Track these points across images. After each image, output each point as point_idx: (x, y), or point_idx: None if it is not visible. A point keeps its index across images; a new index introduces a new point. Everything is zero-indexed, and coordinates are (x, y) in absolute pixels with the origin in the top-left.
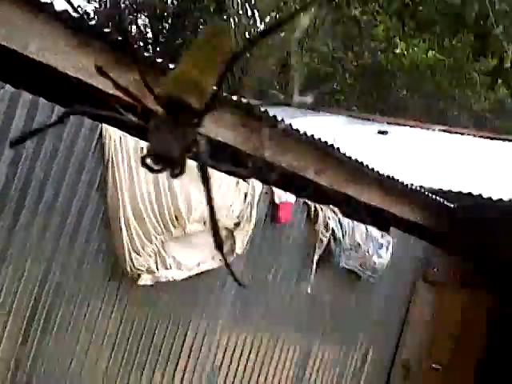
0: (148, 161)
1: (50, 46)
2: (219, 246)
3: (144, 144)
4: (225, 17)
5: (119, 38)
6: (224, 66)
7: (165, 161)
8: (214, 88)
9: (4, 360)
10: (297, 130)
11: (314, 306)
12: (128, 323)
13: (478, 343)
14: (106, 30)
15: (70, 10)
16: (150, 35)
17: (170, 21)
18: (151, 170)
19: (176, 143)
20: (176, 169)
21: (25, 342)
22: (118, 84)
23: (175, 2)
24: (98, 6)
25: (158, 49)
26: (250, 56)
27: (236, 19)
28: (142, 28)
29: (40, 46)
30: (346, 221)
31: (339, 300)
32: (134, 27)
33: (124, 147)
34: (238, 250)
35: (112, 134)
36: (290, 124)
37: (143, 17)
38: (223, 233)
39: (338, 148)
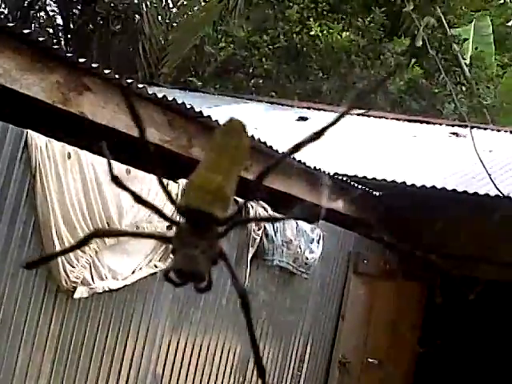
0: (172, 275)
1: None
2: (263, 376)
3: (70, 149)
4: (136, 0)
5: (40, 39)
6: (261, 175)
7: (190, 276)
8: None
9: None
10: (217, 122)
11: (251, 305)
12: (67, 336)
13: (413, 335)
14: (26, 31)
15: None
16: (59, 21)
17: (79, 7)
18: (175, 284)
19: (201, 258)
20: (202, 283)
21: None
22: (140, 197)
23: None
24: None
25: (69, 36)
26: (164, 42)
27: (148, 3)
28: (50, 14)
29: None
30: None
31: (275, 298)
32: (42, 14)
33: (51, 154)
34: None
35: (38, 140)
36: (210, 116)
37: (52, 3)
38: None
39: (264, 142)
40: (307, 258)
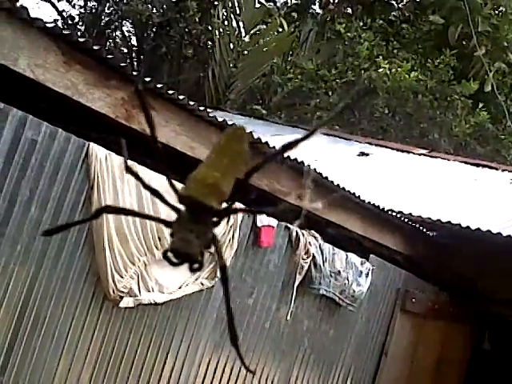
0: (169, 254)
1: (39, 62)
2: (235, 343)
3: (129, 163)
4: (209, 27)
5: (109, 56)
6: (242, 169)
7: (185, 257)
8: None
9: None
10: (274, 149)
11: (294, 332)
12: (109, 345)
13: (457, 377)
14: (96, 47)
15: (55, 13)
16: (133, 42)
17: (154, 29)
18: (171, 262)
19: (196, 241)
20: (194, 264)
21: (5, 363)
22: (148, 186)
23: (161, 11)
24: (83, 11)
25: (141, 57)
26: (234, 69)
27: (221, 30)
28: (126, 35)
29: (30, 62)
30: (326, 247)
31: (318, 327)
32: (118, 33)
33: (109, 166)
34: (219, 274)
35: (98, 152)
36: (274, 146)
37: (128, 24)
38: (206, 255)
39: (320, 173)
40: (354, 291)
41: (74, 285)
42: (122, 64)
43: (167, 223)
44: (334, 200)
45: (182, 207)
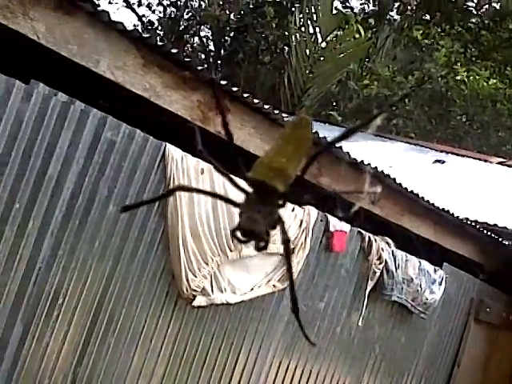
0: (237, 233)
1: (119, 64)
2: (296, 312)
3: (204, 165)
4: (286, 33)
5: (186, 59)
6: (306, 156)
7: (251, 235)
8: (296, 175)
9: (62, 372)
10: (354, 159)
11: (365, 338)
12: (182, 342)
13: None
14: (174, 51)
15: (135, 18)
16: (211, 47)
17: (231, 34)
18: (239, 241)
19: (262, 221)
20: (261, 242)
21: (81, 356)
22: (220, 169)
23: (238, 16)
24: (162, 16)
25: (219, 62)
26: (310, 75)
27: (298, 36)
28: (204, 40)
29: (110, 63)
30: (399, 253)
31: (390, 334)
32: (196, 39)
33: (185, 167)
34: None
35: (174, 153)
36: (348, 152)
37: (206, 29)
38: (277, 258)
39: (394, 179)
40: (427, 299)
41: (149, 283)
42: (199, 67)
43: (236, 204)
44: (407, 205)
45: (249, 190)
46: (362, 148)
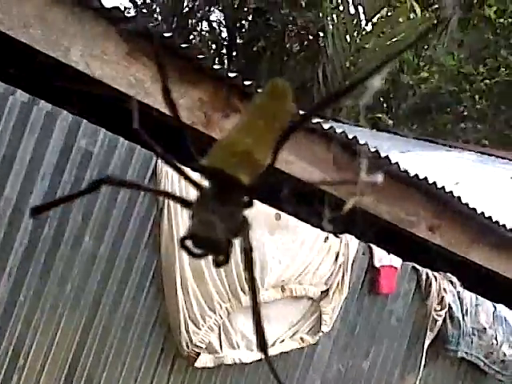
0: (188, 243)
1: (96, 52)
2: (262, 345)
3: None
4: (320, 14)
5: (183, 45)
6: (282, 135)
7: (207, 245)
8: (268, 161)
9: None
10: (406, 172)
11: None
12: None
13: None
14: (167, 34)
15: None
16: (224, 35)
17: (250, 17)
18: (191, 253)
19: (221, 225)
20: (219, 255)
21: None
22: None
23: None
24: None
25: (234, 53)
26: (350, 67)
27: (335, 18)
28: (214, 25)
29: (84, 52)
30: (467, 296)
31: None
32: (204, 24)
33: (184, 186)
34: (325, 327)
35: (169, 168)
36: (398, 163)
37: (217, 11)
38: (306, 304)
39: (459, 197)
40: (505, 355)
41: (138, 337)
42: (200, 56)
43: (186, 203)
44: (476, 233)
45: (204, 183)
46: (419, 159)
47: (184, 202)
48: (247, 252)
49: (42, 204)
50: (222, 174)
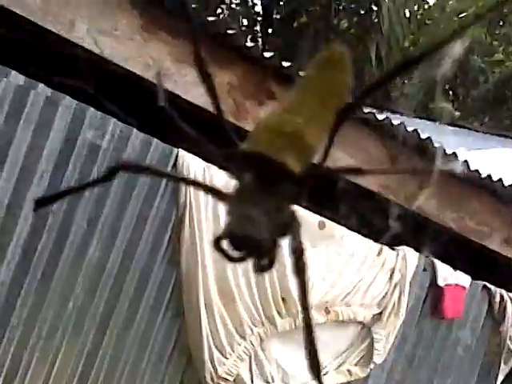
0: (224, 244)
1: (105, 27)
2: (316, 370)
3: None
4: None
5: (210, 19)
6: (338, 115)
7: (248, 246)
8: (323, 146)
9: None
10: (477, 172)
11: None
12: None
13: None
14: (192, 6)
15: None
16: (258, 8)
17: None
18: (229, 258)
19: (264, 222)
20: (263, 259)
21: None
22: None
23: None
24: None
25: (269, 30)
26: (410, 47)
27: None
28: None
29: (91, 26)
30: None
31: None
32: None
33: (210, 185)
34: (378, 357)
35: (191, 163)
36: (467, 161)
37: None
38: (355, 329)
39: None
40: None
41: (152, 368)
42: (229, 31)
43: (221, 195)
44: None
45: (245, 172)
46: (492, 157)
47: (218, 194)
48: (298, 254)
49: (47, 195)
50: (267, 160)
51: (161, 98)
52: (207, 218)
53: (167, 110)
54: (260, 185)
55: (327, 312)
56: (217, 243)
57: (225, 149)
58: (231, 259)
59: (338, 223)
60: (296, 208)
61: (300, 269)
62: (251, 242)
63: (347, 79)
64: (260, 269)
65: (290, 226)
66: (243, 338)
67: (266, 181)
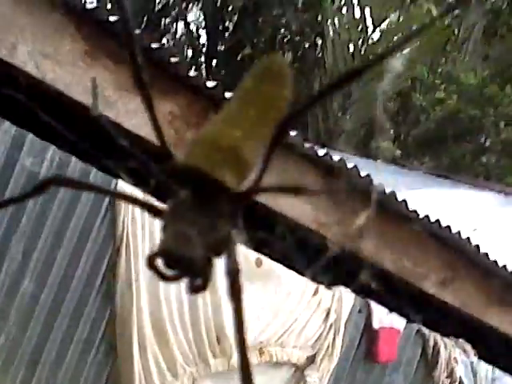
0: (158, 263)
1: (48, 51)
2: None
3: None
4: (319, 17)
5: (154, 46)
6: (277, 129)
7: (182, 265)
8: (261, 160)
9: None
10: (415, 213)
11: None
12: None
13: None
14: (136, 31)
15: None
16: (203, 39)
17: (235, 18)
18: (162, 276)
19: (199, 239)
20: (197, 278)
21: None
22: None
23: None
24: None
25: (214, 61)
26: (353, 84)
27: (336, 21)
28: (192, 27)
29: (33, 50)
30: (482, 368)
31: None
32: (180, 24)
33: (147, 220)
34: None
35: (130, 195)
36: (405, 201)
37: (195, 9)
38: (288, 371)
39: (477, 246)
40: None
41: None
42: (173, 59)
43: (156, 211)
44: (497, 291)
45: (180, 186)
46: (431, 198)
47: (153, 210)
48: (234, 275)
49: None
50: (202, 175)
51: (95, 108)
52: (144, 252)
53: (103, 120)
54: (195, 201)
55: (261, 353)
56: (151, 261)
57: (161, 165)
58: (165, 278)
59: (276, 261)
60: (232, 226)
61: (236, 290)
62: (185, 261)
63: (286, 92)
64: (194, 289)
65: (226, 245)
66: (175, 377)
67: (202, 197)
